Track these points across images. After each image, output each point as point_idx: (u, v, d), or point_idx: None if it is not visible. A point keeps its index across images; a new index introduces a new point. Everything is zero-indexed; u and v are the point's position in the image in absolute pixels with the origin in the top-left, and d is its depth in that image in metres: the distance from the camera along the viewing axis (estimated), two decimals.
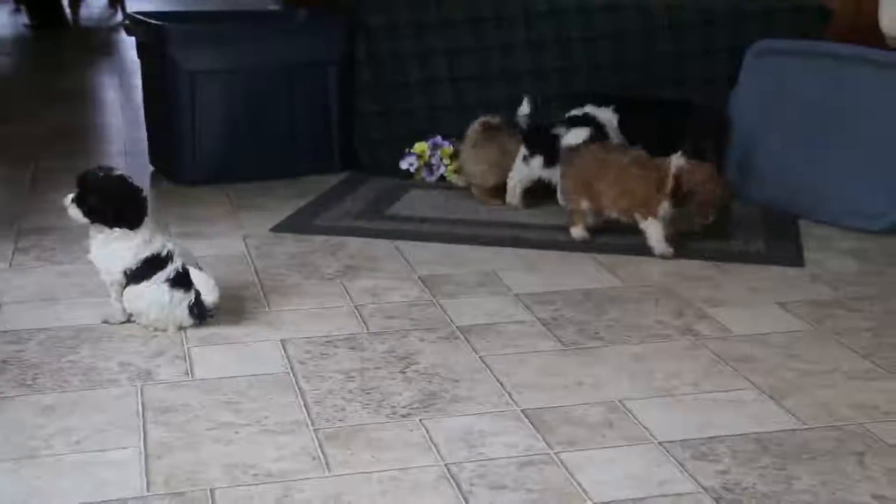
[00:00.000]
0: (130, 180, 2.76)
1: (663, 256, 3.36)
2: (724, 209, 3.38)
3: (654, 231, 3.38)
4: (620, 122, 3.95)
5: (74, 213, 2.74)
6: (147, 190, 4.21)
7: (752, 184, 4.04)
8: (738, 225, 3.74)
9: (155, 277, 2.73)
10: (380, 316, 2.89)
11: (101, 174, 2.74)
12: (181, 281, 2.74)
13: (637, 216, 3.41)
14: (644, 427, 2.27)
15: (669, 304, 3.00)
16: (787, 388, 2.46)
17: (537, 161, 3.89)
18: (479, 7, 4.48)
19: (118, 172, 2.76)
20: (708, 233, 3.45)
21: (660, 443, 2.21)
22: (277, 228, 3.69)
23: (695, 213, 3.30)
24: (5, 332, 2.76)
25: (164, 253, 2.75)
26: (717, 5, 4.42)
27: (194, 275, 2.78)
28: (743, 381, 2.50)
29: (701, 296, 3.05)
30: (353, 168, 4.44)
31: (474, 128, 4.04)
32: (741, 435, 2.24)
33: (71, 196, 2.73)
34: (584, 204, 3.51)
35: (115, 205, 2.70)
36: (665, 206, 3.33)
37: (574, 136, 3.77)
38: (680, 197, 3.28)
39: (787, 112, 3.98)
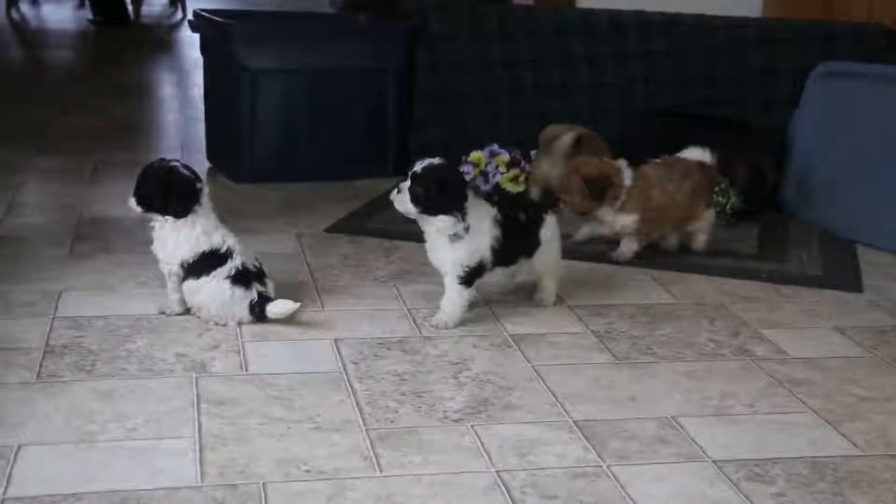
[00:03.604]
0: (183, 170, 2.77)
1: (618, 259, 3.45)
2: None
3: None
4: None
5: (131, 202, 2.79)
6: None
7: (810, 205, 3.99)
8: (796, 246, 3.70)
9: (214, 274, 2.74)
10: None
11: (155, 165, 2.78)
12: (242, 278, 2.76)
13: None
14: (697, 444, 2.25)
15: (724, 323, 2.96)
16: (844, 414, 2.43)
17: None
18: (539, 19, 4.49)
19: (173, 163, 2.80)
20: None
21: (713, 461, 2.18)
22: (331, 229, 3.71)
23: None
24: (65, 317, 2.80)
25: (223, 249, 2.77)
26: (778, 26, 4.39)
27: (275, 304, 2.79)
28: (799, 405, 2.47)
29: (757, 317, 3.02)
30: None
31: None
32: (797, 458, 2.21)
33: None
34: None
35: (161, 192, 2.73)
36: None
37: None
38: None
39: (848, 135, 3.92)
